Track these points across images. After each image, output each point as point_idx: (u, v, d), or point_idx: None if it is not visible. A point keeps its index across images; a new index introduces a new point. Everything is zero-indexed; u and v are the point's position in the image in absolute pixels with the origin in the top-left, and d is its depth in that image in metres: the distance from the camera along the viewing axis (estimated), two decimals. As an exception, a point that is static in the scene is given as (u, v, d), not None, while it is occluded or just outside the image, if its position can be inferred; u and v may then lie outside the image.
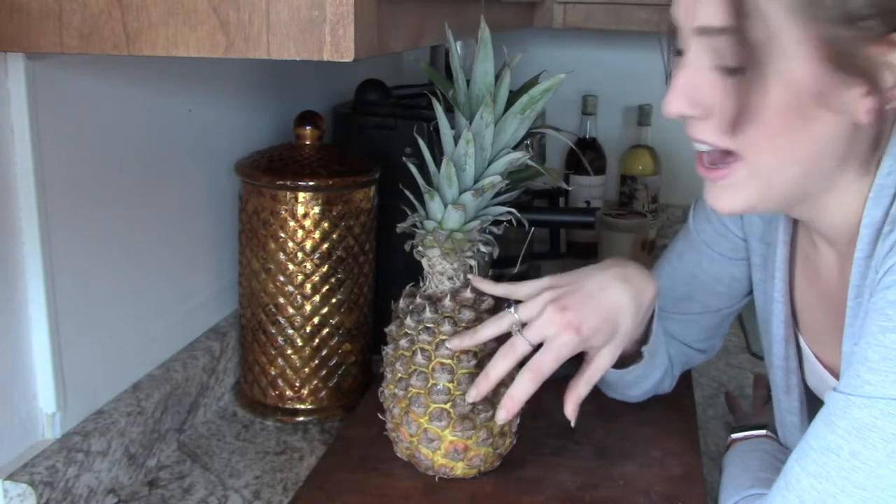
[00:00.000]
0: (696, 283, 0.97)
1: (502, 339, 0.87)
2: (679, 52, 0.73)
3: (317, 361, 1.07)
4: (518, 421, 0.91)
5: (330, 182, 1.04)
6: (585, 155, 1.83)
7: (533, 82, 0.83)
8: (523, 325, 0.84)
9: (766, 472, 0.87)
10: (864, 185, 0.73)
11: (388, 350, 0.90)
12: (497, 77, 0.82)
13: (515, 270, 1.35)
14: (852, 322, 0.74)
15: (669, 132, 1.81)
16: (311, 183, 1.03)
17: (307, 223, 1.03)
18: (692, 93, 0.70)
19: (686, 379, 1.09)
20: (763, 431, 0.96)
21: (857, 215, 0.74)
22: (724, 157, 0.72)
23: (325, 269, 1.05)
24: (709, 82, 0.70)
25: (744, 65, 0.67)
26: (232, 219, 1.12)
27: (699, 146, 0.73)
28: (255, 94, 1.19)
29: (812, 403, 0.90)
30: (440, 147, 0.84)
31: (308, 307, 1.05)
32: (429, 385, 0.86)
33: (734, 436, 0.97)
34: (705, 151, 0.73)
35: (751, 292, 0.97)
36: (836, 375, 0.85)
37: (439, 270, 0.87)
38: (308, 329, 1.06)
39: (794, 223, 0.87)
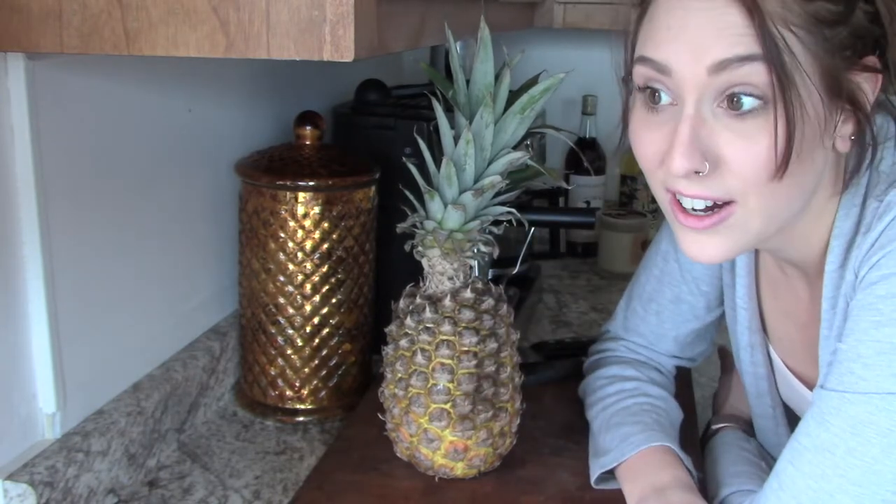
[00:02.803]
0: (684, 285, 0.97)
1: (502, 339, 0.87)
2: (648, 103, 0.71)
3: (317, 361, 1.07)
4: (518, 421, 0.91)
5: (330, 182, 1.04)
6: (585, 155, 1.83)
7: (533, 82, 0.83)
8: None
9: (737, 464, 0.89)
10: (832, 206, 0.74)
11: (388, 350, 0.90)
12: (497, 77, 0.82)
13: (515, 270, 1.35)
14: (828, 333, 0.75)
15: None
16: (311, 183, 1.03)
17: (307, 223, 1.03)
18: (701, 145, 0.67)
19: (686, 379, 1.09)
20: (721, 425, 0.98)
21: (825, 237, 0.74)
22: (718, 206, 0.70)
23: (325, 269, 1.05)
24: (716, 132, 0.67)
25: (757, 107, 0.65)
26: (232, 219, 1.12)
27: (693, 202, 0.70)
28: (255, 94, 1.19)
29: (787, 408, 0.90)
30: (440, 147, 0.84)
31: (308, 307, 1.05)
32: (429, 385, 0.86)
33: (701, 439, 0.99)
34: (696, 207, 0.70)
35: None
36: (807, 384, 0.85)
37: (439, 270, 0.87)
38: (308, 329, 1.06)
39: None
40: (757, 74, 0.64)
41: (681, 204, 0.71)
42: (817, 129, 0.67)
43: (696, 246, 0.72)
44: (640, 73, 0.71)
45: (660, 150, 0.70)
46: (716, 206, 0.70)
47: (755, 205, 0.69)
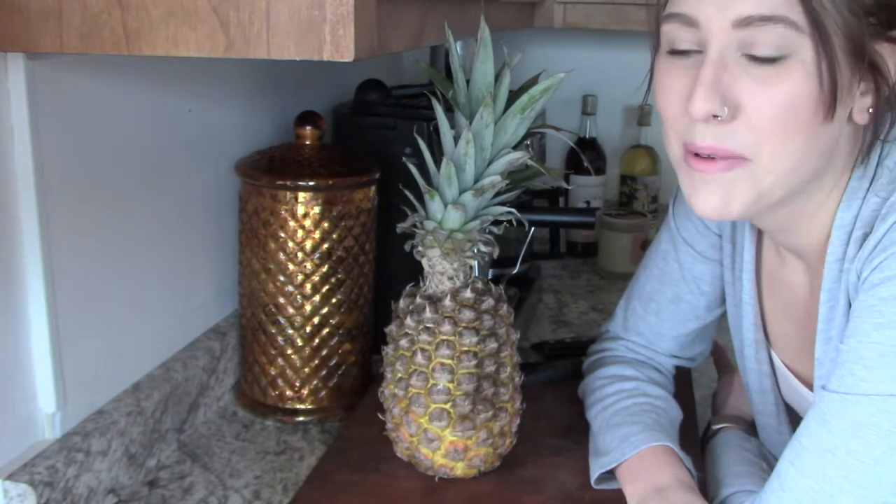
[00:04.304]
0: (684, 284, 0.96)
1: (502, 339, 0.87)
2: (673, 51, 0.71)
3: (317, 361, 1.07)
4: (518, 421, 0.91)
5: (330, 182, 1.04)
6: (585, 155, 1.83)
7: (533, 82, 0.83)
8: None
9: (737, 465, 0.89)
10: (837, 193, 0.73)
11: (388, 350, 0.90)
12: (497, 77, 0.82)
13: (515, 270, 1.35)
14: (826, 327, 0.74)
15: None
16: (311, 183, 1.03)
17: (307, 223, 1.03)
18: (722, 89, 0.67)
19: (686, 379, 1.09)
20: (721, 426, 0.98)
21: (829, 224, 0.74)
22: (730, 158, 0.70)
23: (325, 269, 1.05)
24: (739, 77, 0.67)
25: (784, 55, 0.65)
26: (232, 219, 1.12)
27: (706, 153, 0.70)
28: (255, 94, 1.19)
29: (789, 406, 0.90)
30: (440, 147, 0.84)
31: (308, 307, 1.05)
32: (429, 385, 0.86)
33: (701, 439, 0.99)
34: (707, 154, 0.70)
35: None
36: (805, 383, 0.85)
37: (439, 270, 0.87)
38: (308, 329, 1.06)
39: (759, 230, 0.87)
40: (780, 34, 0.65)
41: (694, 154, 0.71)
42: (831, 95, 0.66)
43: (703, 195, 0.71)
44: (668, 31, 0.71)
45: (682, 96, 0.70)
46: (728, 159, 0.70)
47: (768, 160, 0.68)
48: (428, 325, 0.86)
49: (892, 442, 0.63)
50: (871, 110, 0.69)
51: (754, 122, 0.67)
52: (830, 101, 0.66)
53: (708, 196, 0.71)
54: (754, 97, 0.67)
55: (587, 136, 1.85)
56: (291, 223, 1.03)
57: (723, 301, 0.96)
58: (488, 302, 0.87)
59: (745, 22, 0.65)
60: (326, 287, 1.05)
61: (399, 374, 0.88)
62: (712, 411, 1.07)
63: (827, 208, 0.74)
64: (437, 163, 0.83)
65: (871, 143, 0.71)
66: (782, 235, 0.80)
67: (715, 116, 0.68)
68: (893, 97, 0.68)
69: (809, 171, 0.71)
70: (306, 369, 1.07)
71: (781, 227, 0.79)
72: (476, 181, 0.83)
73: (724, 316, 0.98)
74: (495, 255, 0.88)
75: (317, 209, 1.03)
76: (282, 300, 1.05)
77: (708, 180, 0.70)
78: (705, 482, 0.88)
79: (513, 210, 0.86)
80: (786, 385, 0.89)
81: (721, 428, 0.98)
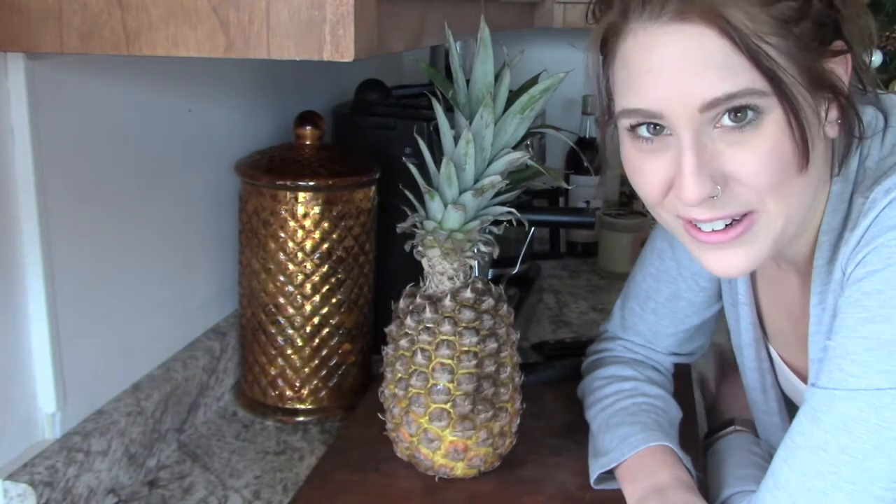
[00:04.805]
0: (682, 281, 0.97)
1: (502, 339, 0.87)
2: (638, 136, 0.70)
3: (317, 361, 1.07)
4: (518, 421, 0.91)
5: (330, 182, 1.04)
6: (585, 155, 1.83)
7: (533, 82, 0.83)
8: None
9: (744, 468, 0.88)
10: (821, 198, 0.74)
11: (388, 350, 0.90)
12: (497, 77, 0.82)
13: (515, 270, 1.35)
14: (817, 329, 0.75)
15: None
16: (311, 183, 1.03)
17: (307, 223, 1.03)
18: (707, 170, 0.67)
19: (686, 379, 1.09)
20: (731, 428, 0.97)
21: (816, 230, 0.74)
22: (737, 220, 0.70)
23: (325, 269, 1.05)
24: (719, 152, 0.67)
25: (754, 118, 0.66)
26: (232, 219, 1.12)
27: (712, 225, 0.70)
28: (255, 94, 1.19)
29: (790, 402, 0.90)
30: (440, 147, 0.84)
31: (308, 307, 1.05)
32: (429, 385, 0.86)
33: (706, 440, 0.98)
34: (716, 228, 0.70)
35: None
36: (802, 378, 0.85)
37: (439, 270, 0.87)
38: (308, 329, 1.06)
39: None
40: (747, 101, 0.65)
41: (696, 226, 0.71)
42: (815, 123, 0.68)
43: (722, 261, 0.72)
44: (627, 122, 0.71)
45: (665, 179, 0.70)
46: (734, 221, 0.70)
47: (775, 208, 0.69)
48: (428, 325, 0.86)
49: (882, 436, 0.63)
50: (839, 122, 0.70)
51: (751, 183, 0.67)
52: (804, 148, 0.66)
53: (727, 263, 0.72)
54: (740, 164, 0.67)
55: (587, 136, 1.85)
56: (291, 223, 1.03)
57: (720, 297, 0.96)
58: (488, 302, 0.87)
59: (712, 104, 0.65)
60: (326, 287, 1.05)
61: (399, 374, 0.88)
62: (717, 413, 1.06)
63: (812, 219, 0.75)
64: (437, 163, 0.83)
65: (846, 149, 0.71)
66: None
67: (711, 197, 0.68)
68: (850, 103, 0.69)
69: (808, 200, 0.72)
70: (306, 369, 1.07)
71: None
72: (476, 181, 0.83)
73: (722, 314, 0.98)
74: (495, 255, 0.88)
75: (317, 209, 1.03)
76: (282, 300, 1.05)
77: (725, 246, 0.71)
78: (705, 482, 0.88)
79: (513, 210, 0.87)
80: (784, 380, 0.89)
81: (731, 431, 0.97)
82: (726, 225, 0.70)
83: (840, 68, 0.69)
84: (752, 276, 0.88)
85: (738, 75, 0.64)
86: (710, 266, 0.73)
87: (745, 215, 0.69)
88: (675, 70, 0.66)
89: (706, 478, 0.91)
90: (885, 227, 0.66)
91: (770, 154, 0.66)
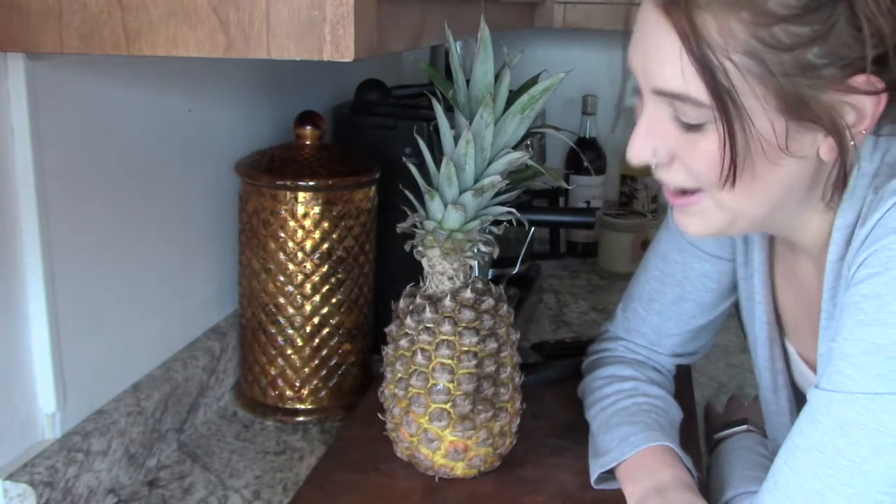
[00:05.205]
0: (687, 283, 0.96)
1: (502, 339, 0.87)
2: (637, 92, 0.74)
3: (317, 361, 1.07)
4: (518, 421, 0.91)
5: (330, 182, 1.04)
6: (585, 155, 1.83)
7: (533, 82, 0.83)
8: None
9: (751, 469, 0.88)
10: (813, 206, 0.74)
11: (388, 350, 0.90)
12: (497, 77, 0.82)
13: (515, 270, 1.35)
14: (828, 324, 0.75)
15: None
16: (311, 183, 1.03)
17: (307, 223, 1.03)
18: (655, 142, 0.71)
19: (686, 379, 1.09)
20: (744, 427, 0.97)
21: (830, 224, 0.74)
22: (689, 191, 0.73)
23: (325, 269, 1.05)
24: (670, 132, 0.70)
25: (703, 122, 0.68)
26: (232, 219, 1.12)
27: (666, 187, 0.75)
28: (255, 94, 1.19)
29: (801, 403, 0.90)
30: (440, 147, 0.84)
31: (308, 307, 1.05)
32: (429, 385, 0.86)
33: (717, 435, 0.98)
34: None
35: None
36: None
37: (439, 270, 0.87)
38: (308, 329, 1.06)
39: None
40: (692, 106, 0.67)
41: None
42: (771, 150, 0.67)
43: (682, 220, 0.77)
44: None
45: None
46: (686, 192, 0.74)
47: (717, 200, 0.72)
48: (428, 325, 0.86)
49: (880, 441, 0.63)
50: (833, 150, 0.69)
51: (691, 172, 0.71)
52: (730, 172, 0.68)
53: (686, 223, 0.77)
54: (683, 152, 0.71)
55: (587, 136, 1.85)
56: (291, 223, 1.03)
57: (730, 294, 0.96)
58: (488, 302, 0.87)
59: (661, 93, 0.69)
60: (326, 287, 1.05)
61: (399, 374, 0.88)
62: (723, 415, 1.06)
63: (824, 218, 0.75)
64: (437, 163, 0.83)
65: (843, 176, 0.71)
66: (788, 238, 0.81)
67: (650, 165, 0.72)
68: (843, 145, 0.67)
69: (767, 208, 0.73)
70: (306, 369, 1.07)
71: (783, 232, 0.80)
72: (476, 181, 0.83)
73: (729, 316, 0.99)
74: (495, 255, 0.88)
75: (317, 209, 1.03)
76: (282, 300, 1.05)
77: (682, 210, 0.76)
78: (706, 482, 0.88)
79: (513, 210, 0.87)
80: (800, 376, 0.88)
81: (742, 430, 0.97)
82: (679, 190, 0.74)
83: (853, 104, 0.66)
84: (770, 272, 0.88)
85: (689, 81, 0.66)
86: (677, 221, 0.78)
87: (695, 191, 0.73)
88: (644, 45, 0.70)
89: (709, 477, 0.91)
90: (888, 228, 0.66)
91: (707, 157, 0.69)
